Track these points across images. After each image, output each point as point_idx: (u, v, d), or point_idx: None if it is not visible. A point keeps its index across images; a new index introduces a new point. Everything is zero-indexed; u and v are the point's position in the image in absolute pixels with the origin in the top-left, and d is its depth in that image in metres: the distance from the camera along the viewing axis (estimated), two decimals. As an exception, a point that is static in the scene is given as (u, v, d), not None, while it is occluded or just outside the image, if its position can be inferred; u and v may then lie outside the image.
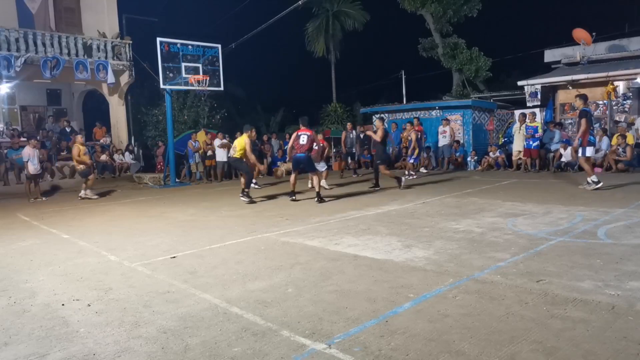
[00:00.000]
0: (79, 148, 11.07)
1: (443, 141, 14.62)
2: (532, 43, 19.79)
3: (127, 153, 16.40)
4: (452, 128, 14.70)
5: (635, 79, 13.10)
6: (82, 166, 11.07)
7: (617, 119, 13.53)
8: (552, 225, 5.77)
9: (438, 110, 16.15)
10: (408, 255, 4.68)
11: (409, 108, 17.37)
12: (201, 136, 15.21)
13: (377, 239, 5.45)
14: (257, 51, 27.21)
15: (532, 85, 14.79)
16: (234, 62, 20.01)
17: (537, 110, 14.37)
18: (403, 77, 24.47)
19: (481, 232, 5.56)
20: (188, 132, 15.72)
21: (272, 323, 3.13)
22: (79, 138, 11.52)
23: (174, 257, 5.09)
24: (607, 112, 13.75)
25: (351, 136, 14.71)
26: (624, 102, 13.59)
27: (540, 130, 12.89)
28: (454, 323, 3.00)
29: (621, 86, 13.48)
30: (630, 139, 12.08)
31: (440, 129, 14.78)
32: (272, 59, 28.33)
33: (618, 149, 11.95)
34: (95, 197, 11.18)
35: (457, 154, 14.85)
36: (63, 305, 3.69)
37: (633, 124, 12.75)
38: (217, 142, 14.40)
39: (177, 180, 14.17)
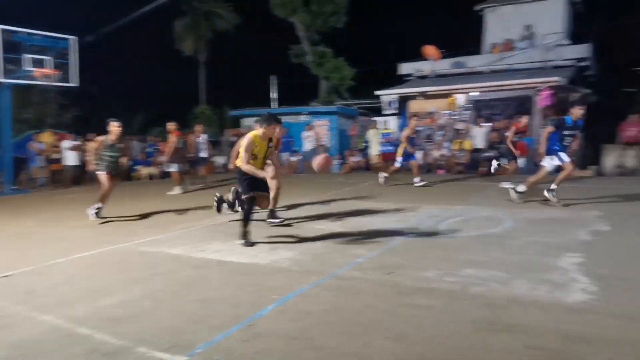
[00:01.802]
0: None
1: (308, 145, 15.20)
2: (392, 56, 21.30)
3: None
4: (317, 132, 15.42)
5: (473, 92, 15.09)
6: None
7: (457, 127, 15.44)
8: (403, 222, 6.33)
9: (307, 116, 16.73)
10: (274, 257, 4.72)
11: (278, 112, 17.63)
12: (47, 137, 13.47)
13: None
14: (120, 46, 24.89)
15: (387, 95, 16.15)
16: (93, 56, 18.08)
17: (391, 118, 15.88)
18: (274, 81, 24.71)
19: (345, 232, 5.86)
20: (29, 133, 13.79)
21: (126, 340, 2.88)
22: None
23: (7, 275, 4.39)
24: (450, 121, 15.63)
25: (198, 140, 12.66)
26: (464, 112, 15.58)
27: (393, 136, 14.44)
28: (316, 320, 3.10)
29: (461, 98, 15.43)
30: (467, 145, 13.94)
31: (304, 134, 15.40)
32: (136, 55, 26.07)
33: (457, 153, 13.73)
34: None
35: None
36: None
37: (470, 132, 14.68)
38: (66, 143, 12.89)
39: (13, 187, 12.27)
